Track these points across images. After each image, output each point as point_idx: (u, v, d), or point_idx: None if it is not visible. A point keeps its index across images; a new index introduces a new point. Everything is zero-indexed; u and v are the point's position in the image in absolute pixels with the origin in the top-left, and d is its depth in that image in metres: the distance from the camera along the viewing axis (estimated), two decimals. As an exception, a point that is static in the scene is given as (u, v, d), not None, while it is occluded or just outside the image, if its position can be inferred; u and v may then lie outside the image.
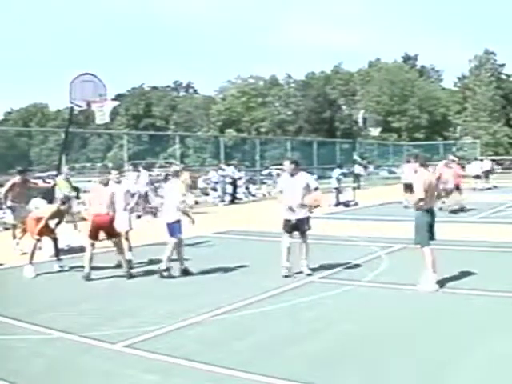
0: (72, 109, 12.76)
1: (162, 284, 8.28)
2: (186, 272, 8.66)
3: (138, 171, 17.70)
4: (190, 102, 75.96)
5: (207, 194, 23.95)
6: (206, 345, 5.50)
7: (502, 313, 6.34)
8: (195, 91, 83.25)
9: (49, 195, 11.62)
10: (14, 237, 11.28)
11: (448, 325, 5.95)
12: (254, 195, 25.91)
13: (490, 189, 26.44)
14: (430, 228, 7.56)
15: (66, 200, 9.87)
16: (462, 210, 16.70)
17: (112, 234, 8.77)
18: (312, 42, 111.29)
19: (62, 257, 9.54)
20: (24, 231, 10.39)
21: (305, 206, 8.45)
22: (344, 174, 23.37)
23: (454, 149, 41.02)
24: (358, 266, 9.10)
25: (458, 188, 17.18)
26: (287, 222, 8.55)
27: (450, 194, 16.36)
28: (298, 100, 68.36)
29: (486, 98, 57.57)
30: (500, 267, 8.70)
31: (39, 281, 8.70)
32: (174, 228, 8.53)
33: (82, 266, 8.69)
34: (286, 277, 8.32)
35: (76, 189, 13.65)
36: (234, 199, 23.24)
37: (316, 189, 8.64)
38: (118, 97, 57.23)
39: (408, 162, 18.72)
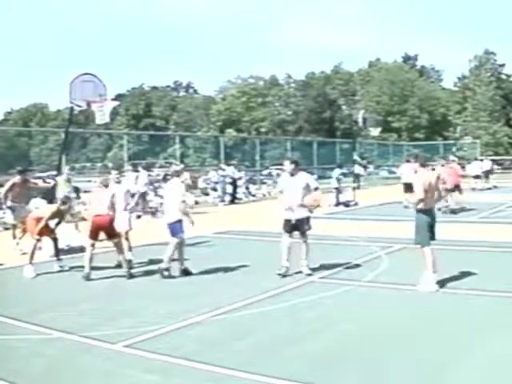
0: (72, 109, 12.74)
1: (162, 284, 8.28)
2: (186, 272, 8.66)
3: (138, 171, 17.70)
4: (190, 102, 75.96)
5: (207, 194, 23.96)
6: (206, 345, 5.50)
7: (501, 313, 6.34)
8: (195, 91, 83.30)
9: (49, 195, 11.61)
10: (14, 237, 11.28)
11: (448, 325, 5.95)
12: (254, 195, 25.91)
13: (489, 189, 26.44)
14: (431, 228, 7.56)
15: (66, 200, 9.87)
16: (461, 209, 16.70)
17: (112, 234, 8.77)
18: (312, 42, 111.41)
19: (62, 257, 9.54)
20: (24, 231, 10.39)
21: (305, 206, 8.45)
22: (344, 174, 23.37)
23: (453, 149, 41.10)
24: (357, 265, 9.10)
25: (458, 188, 17.19)
26: (287, 221, 8.55)
27: (450, 192, 16.35)
28: (298, 100, 68.35)
29: (486, 98, 57.57)
30: (500, 267, 8.70)
31: (39, 281, 8.70)
32: (175, 228, 8.53)
33: (82, 266, 8.69)
34: (283, 276, 8.34)
35: (76, 189, 13.65)
36: (233, 199, 23.24)
37: (316, 189, 8.64)
38: (118, 97, 57.24)
39: (408, 161, 18.73)
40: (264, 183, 30.04)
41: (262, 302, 6.99)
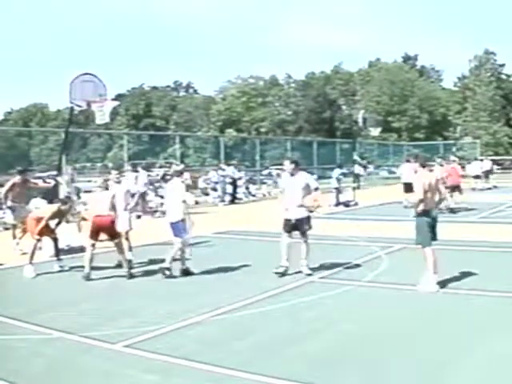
0: (72, 109, 12.73)
1: (162, 284, 8.28)
2: (186, 272, 8.66)
3: (137, 171, 17.70)
4: (190, 102, 75.97)
5: (207, 194, 23.96)
6: (206, 345, 5.50)
7: (502, 313, 6.34)
8: (195, 91, 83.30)
9: (49, 195, 11.61)
10: (14, 237, 11.28)
11: (448, 325, 5.95)
12: (254, 195, 25.92)
13: (490, 189, 26.44)
14: (432, 228, 7.55)
15: (67, 200, 9.87)
16: (461, 209, 16.69)
17: (114, 234, 8.77)
18: (312, 42, 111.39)
19: (62, 257, 9.54)
20: (24, 231, 10.39)
21: (305, 206, 8.46)
22: (344, 174, 23.37)
23: (454, 149, 41.05)
24: (357, 265, 9.10)
25: (458, 188, 17.19)
26: (287, 221, 8.56)
27: (451, 192, 16.35)
28: (298, 100, 68.36)
29: (486, 98, 57.57)
30: (500, 267, 8.70)
31: (39, 281, 8.70)
32: (177, 227, 8.53)
33: (82, 266, 8.69)
34: (281, 275, 8.36)
35: (76, 189, 13.65)
36: (234, 199, 23.24)
37: (316, 189, 8.65)
38: (118, 97, 57.22)
39: (408, 161, 18.73)
40: (264, 183, 30.05)
41: (261, 302, 6.99)
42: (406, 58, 69.53)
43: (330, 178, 22.62)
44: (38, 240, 9.21)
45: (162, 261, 9.21)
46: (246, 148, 43.17)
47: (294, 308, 6.75)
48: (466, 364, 4.88)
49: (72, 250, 10.61)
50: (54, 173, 13.86)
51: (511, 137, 57.05)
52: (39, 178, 18.00)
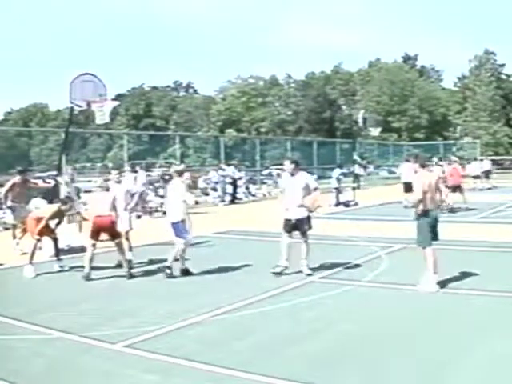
0: (72, 109, 12.73)
1: (162, 284, 8.28)
2: (186, 272, 8.66)
3: (136, 172, 17.69)
4: (190, 102, 75.95)
5: (207, 194, 23.96)
6: (206, 345, 5.50)
7: (502, 313, 6.34)
8: (195, 91, 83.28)
9: (49, 195, 11.61)
10: (14, 237, 11.28)
11: (448, 325, 5.95)
12: (254, 195, 25.93)
13: (490, 189, 26.45)
14: (433, 228, 7.54)
15: (67, 200, 9.88)
16: (460, 209, 16.69)
17: (114, 234, 8.78)
18: (312, 42, 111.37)
19: (62, 257, 9.55)
20: (24, 231, 10.40)
21: (305, 206, 8.47)
22: (344, 174, 23.38)
23: (454, 149, 41.08)
24: (357, 265, 9.10)
25: (459, 188, 17.19)
26: (287, 221, 8.57)
27: (452, 192, 16.35)
28: (298, 100, 68.34)
29: (486, 97, 57.52)
30: (500, 267, 8.70)
31: (39, 281, 8.70)
32: (178, 228, 8.54)
33: (82, 266, 8.69)
34: (278, 274, 8.38)
35: (76, 189, 13.64)
36: (234, 199, 23.25)
37: (315, 189, 8.65)
38: (118, 97, 57.21)
39: (407, 160, 18.75)
40: (264, 183, 30.05)
41: (261, 302, 6.99)
42: (406, 58, 69.50)
43: (330, 178, 22.62)
44: (38, 240, 9.21)
45: (162, 261, 9.22)
46: (246, 148, 43.19)
47: (294, 308, 6.75)
48: (466, 364, 4.87)
49: (72, 250, 10.62)
50: (54, 173, 13.87)
51: (511, 137, 57.01)
52: (39, 177, 18.01)
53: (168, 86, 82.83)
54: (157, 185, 20.25)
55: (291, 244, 8.59)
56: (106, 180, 9.67)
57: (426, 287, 7.30)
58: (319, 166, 32.56)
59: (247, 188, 25.75)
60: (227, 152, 30.91)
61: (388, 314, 6.45)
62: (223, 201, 22.69)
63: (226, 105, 69.52)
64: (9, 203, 11.65)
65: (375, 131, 29.24)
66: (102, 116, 12.47)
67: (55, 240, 9.44)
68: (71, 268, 9.32)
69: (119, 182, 9.84)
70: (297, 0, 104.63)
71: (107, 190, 9.17)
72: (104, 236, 8.86)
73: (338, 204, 20.26)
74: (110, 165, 27.41)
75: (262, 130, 65.68)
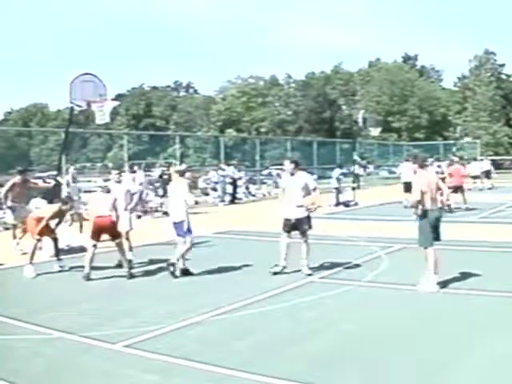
0: (72, 109, 12.73)
1: (162, 284, 8.29)
2: (186, 272, 8.66)
3: (134, 172, 17.68)
4: (190, 101, 75.94)
5: (207, 194, 23.97)
6: (206, 345, 5.50)
7: (502, 313, 6.34)
8: (195, 91, 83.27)
9: (49, 195, 11.62)
10: (14, 237, 11.29)
11: (448, 325, 5.95)
12: (254, 195, 25.93)
13: (490, 189, 26.45)
14: (434, 229, 7.52)
15: (68, 200, 9.88)
16: (460, 209, 16.69)
17: (115, 235, 8.77)
18: (312, 42, 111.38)
19: (62, 257, 9.55)
20: (24, 231, 10.40)
21: (304, 206, 8.47)
22: (344, 174, 23.38)
23: (454, 149, 41.05)
24: (357, 265, 9.10)
25: (460, 188, 17.20)
26: (287, 221, 8.58)
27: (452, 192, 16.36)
28: (298, 100, 68.33)
29: (486, 97, 57.52)
30: (500, 267, 8.70)
31: (39, 281, 8.70)
32: (181, 227, 8.54)
33: (82, 266, 8.69)
34: (276, 274, 8.40)
35: (77, 189, 13.64)
36: (234, 199, 23.25)
37: (314, 189, 8.66)
38: (118, 97, 57.20)
39: (407, 160, 18.76)
40: (264, 183, 30.06)
41: (261, 302, 6.99)
42: (406, 58, 69.48)
43: (330, 178, 22.63)
44: (38, 240, 9.21)
45: (162, 261, 9.23)
46: (246, 148, 43.17)
47: (294, 308, 6.75)
48: (466, 364, 4.87)
49: (72, 250, 10.62)
50: (54, 173, 13.87)
51: (511, 137, 57.01)
52: (39, 177, 18.02)
53: (168, 86, 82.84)
54: (157, 185, 20.25)
55: (290, 244, 8.60)
56: (106, 180, 9.66)
57: (426, 287, 7.30)
58: (319, 166, 32.56)
59: (247, 188, 25.75)
60: (227, 152, 30.91)
61: (388, 314, 6.45)
62: (223, 201, 22.69)
63: (225, 105, 69.51)
64: (9, 203, 11.65)
65: (375, 131, 29.23)
66: (102, 116, 12.47)
67: (55, 240, 9.44)
68: (71, 268, 9.32)
69: (119, 181, 9.84)
70: (297, 0, 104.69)
71: (108, 191, 9.16)
72: (105, 236, 8.86)
73: (337, 204, 20.26)
74: (110, 165, 27.38)
75: (262, 130, 65.67)
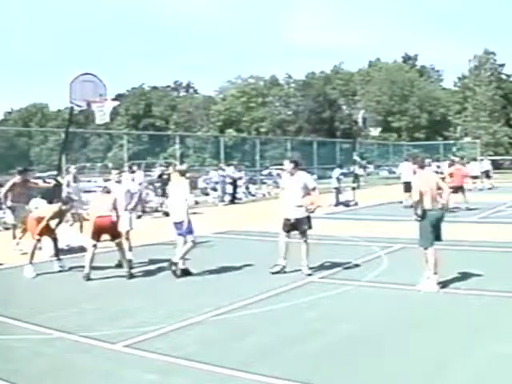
0: (72, 109, 12.73)
1: (162, 284, 8.29)
2: (186, 272, 8.66)
3: (133, 172, 17.68)
4: (190, 101, 75.93)
5: (207, 194, 23.98)
6: (206, 345, 5.50)
7: (502, 313, 6.34)
8: (195, 91, 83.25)
9: (49, 195, 11.61)
10: (14, 237, 11.29)
11: (448, 325, 5.95)
12: (253, 195, 25.94)
13: (490, 189, 26.47)
14: (435, 229, 7.50)
15: (68, 200, 9.87)
16: (459, 209, 16.69)
17: (115, 235, 8.77)
18: (312, 42, 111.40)
19: (61, 257, 9.54)
20: (24, 231, 10.39)
21: (303, 206, 8.48)
22: (344, 174, 23.38)
23: (454, 149, 41.04)
24: (357, 266, 9.10)
25: (461, 188, 17.20)
26: (286, 221, 8.59)
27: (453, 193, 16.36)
28: (298, 100, 68.36)
29: (486, 97, 57.50)
30: (500, 267, 8.70)
31: (39, 281, 8.70)
32: (181, 227, 8.54)
33: (82, 266, 8.69)
34: (274, 273, 8.42)
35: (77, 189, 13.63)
36: (234, 199, 23.25)
37: (314, 189, 8.66)
38: (118, 97, 57.14)
39: (407, 160, 18.76)
40: (264, 183, 30.06)
41: (262, 302, 6.99)
42: (406, 58, 69.48)
43: (330, 178, 22.63)
44: (38, 240, 9.21)
45: (162, 261, 9.24)
46: (246, 148, 43.16)
47: (294, 308, 6.75)
48: (466, 364, 4.87)
49: (72, 250, 10.61)
50: (54, 173, 13.87)
51: (511, 137, 57.00)
52: (39, 177, 18.00)
53: (168, 86, 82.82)
54: (157, 185, 20.25)
55: (290, 244, 8.60)
56: (106, 180, 9.66)
57: (426, 287, 7.30)
58: (319, 166, 32.57)
59: (247, 188, 25.76)
60: (227, 152, 30.91)
61: (388, 314, 6.45)
62: (223, 201, 22.70)
63: (225, 105, 69.52)
64: (9, 203, 11.65)
65: (375, 131, 29.28)
66: (102, 116, 12.46)
67: (55, 240, 9.43)
68: (71, 268, 9.32)
69: (119, 181, 9.84)
70: (297, 0, 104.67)
71: (108, 192, 9.16)
72: (105, 236, 8.86)
73: (337, 204, 20.26)
74: (110, 165, 27.38)
75: (262, 129, 65.68)
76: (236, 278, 8.52)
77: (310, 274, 8.40)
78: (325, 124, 64.57)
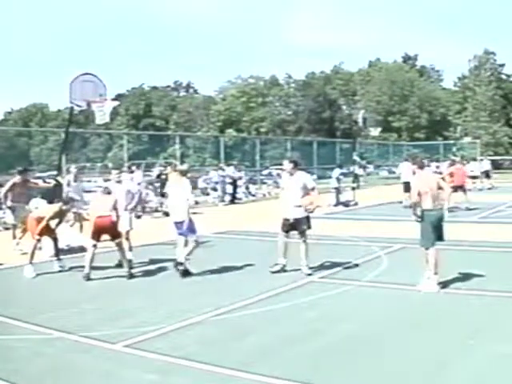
0: (72, 109, 12.73)
1: (162, 284, 8.29)
2: (186, 272, 8.66)
3: (132, 172, 17.68)
4: (190, 101, 75.91)
5: (207, 194, 23.98)
6: (206, 345, 5.50)
7: (502, 313, 6.34)
8: (195, 91, 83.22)
9: (49, 195, 11.61)
10: (14, 237, 11.28)
11: (448, 325, 5.95)
12: (253, 195, 25.94)
13: (489, 189, 26.47)
14: (437, 229, 7.50)
15: (68, 200, 9.86)
16: (459, 209, 16.69)
17: (115, 235, 8.77)
18: (312, 42, 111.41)
19: (61, 257, 9.54)
20: (24, 231, 10.39)
21: (302, 206, 8.48)
22: (344, 174, 23.38)
23: (454, 149, 41.04)
24: (357, 266, 9.10)
25: (462, 188, 17.20)
26: (286, 221, 8.60)
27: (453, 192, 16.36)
28: (298, 100, 68.35)
29: (486, 97, 57.51)
30: (500, 267, 8.69)
31: (39, 281, 8.70)
32: (182, 227, 8.54)
33: (82, 266, 8.68)
34: (274, 272, 8.44)
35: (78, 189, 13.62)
36: (234, 199, 23.25)
37: (313, 189, 8.66)
38: (118, 97, 57.12)
39: (406, 160, 18.76)
40: (264, 183, 30.07)
41: (262, 302, 6.99)
42: (406, 58, 69.48)
43: (329, 178, 22.63)
44: (38, 240, 9.21)
45: (162, 261, 9.26)
46: (246, 148, 43.16)
47: (294, 308, 6.75)
48: (466, 364, 4.87)
49: (72, 250, 10.61)
50: (55, 173, 13.86)
51: (511, 137, 57.01)
52: (39, 177, 18.00)
53: (168, 86, 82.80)
54: (156, 185, 20.25)
55: (290, 244, 8.60)
56: (107, 180, 9.66)
57: (426, 287, 7.30)
58: (319, 166, 32.57)
59: (247, 188, 25.76)
60: (227, 152, 30.91)
61: (388, 314, 6.45)
62: (223, 201, 22.69)
63: (225, 105, 69.51)
64: (9, 203, 11.65)
65: (375, 131, 29.28)
66: (102, 116, 12.46)
67: (55, 240, 9.43)
68: (71, 268, 9.32)
69: (120, 181, 9.84)
70: (297, 0, 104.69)
71: (108, 192, 9.16)
72: (105, 236, 8.86)
73: (337, 204, 20.26)
74: (110, 165, 27.38)
75: (262, 129, 65.67)
76: (236, 278, 8.52)
77: (309, 274, 8.40)
78: (325, 124, 64.56)
